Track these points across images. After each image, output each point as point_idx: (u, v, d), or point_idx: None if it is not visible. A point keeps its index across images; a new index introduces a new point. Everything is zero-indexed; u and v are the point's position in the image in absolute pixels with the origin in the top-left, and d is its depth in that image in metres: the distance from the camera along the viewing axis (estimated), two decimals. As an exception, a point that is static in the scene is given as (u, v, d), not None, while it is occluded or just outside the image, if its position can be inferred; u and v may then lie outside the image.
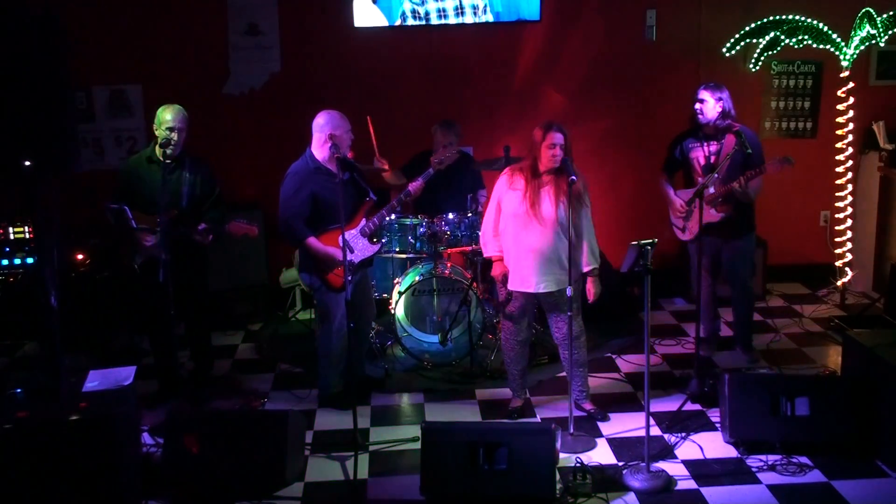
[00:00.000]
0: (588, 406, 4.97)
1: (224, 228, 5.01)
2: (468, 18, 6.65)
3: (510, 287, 4.82)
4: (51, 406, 4.07)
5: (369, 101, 6.85)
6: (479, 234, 5.03)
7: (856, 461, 4.39)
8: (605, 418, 4.93)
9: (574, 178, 4.49)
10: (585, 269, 4.74)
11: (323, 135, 4.92)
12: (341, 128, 4.93)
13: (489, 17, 6.68)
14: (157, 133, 4.94)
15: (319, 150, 4.98)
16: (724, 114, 5.30)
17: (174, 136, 4.90)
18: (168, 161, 4.88)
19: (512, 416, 5.01)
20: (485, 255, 4.96)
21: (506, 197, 4.76)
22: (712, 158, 5.34)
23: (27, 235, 6.14)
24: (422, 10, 6.60)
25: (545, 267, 4.69)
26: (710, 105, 5.30)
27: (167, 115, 4.91)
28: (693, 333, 5.42)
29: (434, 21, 6.58)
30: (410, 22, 6.65)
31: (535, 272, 4.71)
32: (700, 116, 5.35)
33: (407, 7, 6.62)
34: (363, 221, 5.11)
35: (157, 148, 4.95)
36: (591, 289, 4.78)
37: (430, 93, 6.94)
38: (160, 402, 5.11)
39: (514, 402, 5.08)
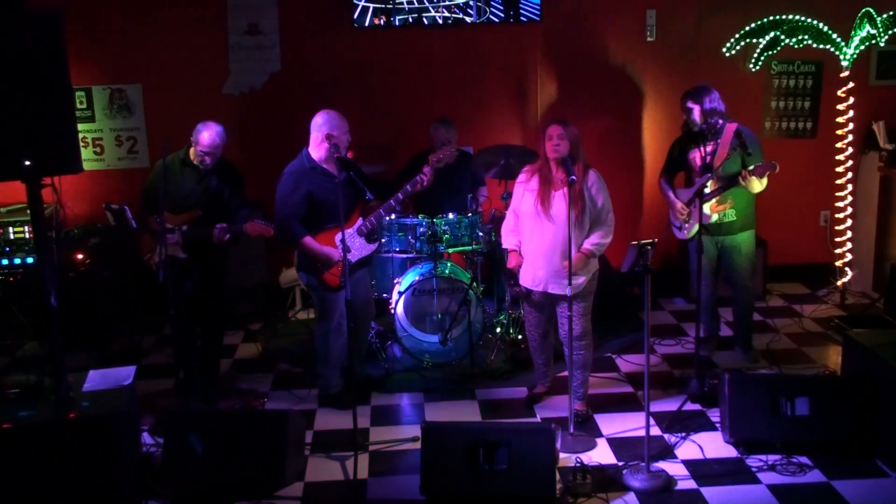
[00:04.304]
0: (577, 406, 4.92)
1: (242, 229, 5.02)
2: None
3: (521, 283, 4.92)
4: (51, 406, 4.07)
5: (369, 101, 6.86)
6: (501, 229, 5.11)
7: (856, 461, 4.38)
8: (586, 420, 4.91)
9: (574, 177, 4.50)
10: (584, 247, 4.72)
11: (321, 134, 4.92)
12: (340, 128, 4.93)
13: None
14: (192, 144, 4.98)
15: (317, 149, 4.98)
16: (710, 113, 5.31)
17: (207, 159, 4.97)
18: (201, 167, 5.00)
19: (529, 401, 5.16)
20: (503, 246, 5.04)
21: (523, 197, 4.83)
22: (708, 158, 5.34)
23: (27, 235, 6.14)
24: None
25: (554, 268, 4.74)
26: (698, 112, 5.33)
27: (203, 138, 4.93)
28: (693, 333, 5.41)
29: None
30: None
31: (545, 272, 4.78)
32: (693, 124, 5.38)
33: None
34: (360, 221, 5.11)
35: (191, 152, 5.01)
36: (576, 261, 4.64)
37: (429, 93, 6.94)
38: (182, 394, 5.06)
39: (537, 389, 5.23)
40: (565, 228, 4.60)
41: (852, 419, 4.44)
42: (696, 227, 5.25)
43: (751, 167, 5.16)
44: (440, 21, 6.78)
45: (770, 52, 6.63)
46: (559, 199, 4.69)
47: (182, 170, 5.03)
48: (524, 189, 4.83)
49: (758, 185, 5.24)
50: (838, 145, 6.75)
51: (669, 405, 5.06)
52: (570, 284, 4.56)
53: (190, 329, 5.16)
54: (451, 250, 5.77)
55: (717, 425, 4.76)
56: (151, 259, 5.03)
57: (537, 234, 4.77)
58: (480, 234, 5.78)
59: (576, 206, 4.61)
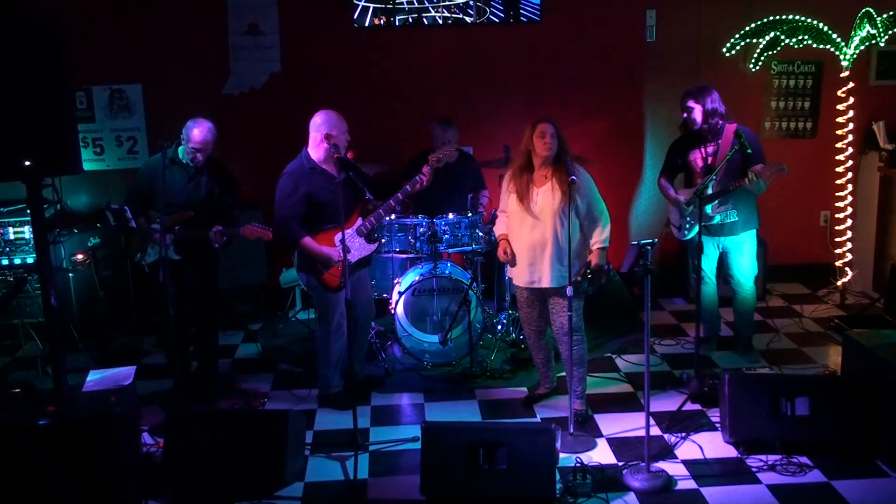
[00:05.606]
0: (577, 405, 4.90)
1: (238, 231, 5.01)
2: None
3: (515, 282, 4.95)
4: (51, 406, 4.07)
5: (369, 101, 6.86)
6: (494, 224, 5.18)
7: (856, 461, 4.38)
8: (586, 420, 4.91)
9: (574, 178, 4.51)
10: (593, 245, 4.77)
11: (320, 134, 4.92)
12: (338, 128, 4.92)
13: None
14: (182, 142, 4.96)
15: (316, 149, 4.97)
16: (712, 114, 5.30)
17: (199, 156, 4.95)
18: (191, 165, 4.97)
19: (527, 401, 5.17)
20: (496, 234, 5.05)
21: (509, 196, 4.87)
22: (709, 160, 5.35)
23: (27, 235, 6.14)
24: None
25: (539, 262, 4.77)
26: (699, 112, 5.32)
27: (195, 135, 4.91)
28: (693, 333, 5.41)
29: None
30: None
31: (529, 267, 4.81)
32: (692, 123, 5.38)
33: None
34: (359, 221, 5.11)
35: (180, 150, 4.99)
36: (594, 259, 4.74)
37: (429, 93, 6.94)
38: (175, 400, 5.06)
39: (539, 390, 5.23)
40: (552, 223, 4.67)
41: (852, 419, 4.44)
42: (697, 227, 5.25)
43: (757, 168, 5.16)
44: (440, 21, 6.78)
45: (770, 52, 6.63)
46: (544, 195, 4.71)
47: (170, 168, 4.99)
48: (508, 188, 4.87)
49: (763, 185, 5.24)
50: (838, 145, 6.75)
51: (669, 405, 5.06)
52: (570, 284, 4.56)
53: (182, 330, 5.14)
54: (451, 250, 5.77)
55: (717, 425, 4.76)
56: (142, 260, 5.03)
57: (525, 230, 4.79)
58: (480, 234, 5.78)
59: (561, 202, 4.64)
